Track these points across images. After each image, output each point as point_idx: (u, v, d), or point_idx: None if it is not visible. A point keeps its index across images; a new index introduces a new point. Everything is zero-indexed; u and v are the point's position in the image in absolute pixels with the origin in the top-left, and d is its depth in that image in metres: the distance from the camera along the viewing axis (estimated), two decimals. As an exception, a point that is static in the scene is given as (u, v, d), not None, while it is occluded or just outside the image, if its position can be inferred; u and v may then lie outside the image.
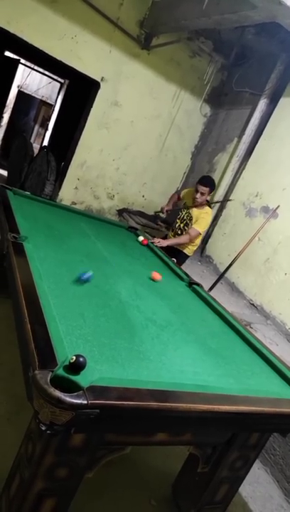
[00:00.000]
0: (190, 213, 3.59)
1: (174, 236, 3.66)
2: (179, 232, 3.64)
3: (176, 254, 3.48)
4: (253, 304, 3.85)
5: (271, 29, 4.12)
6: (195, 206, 3.54)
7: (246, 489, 2.08)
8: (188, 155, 5.70)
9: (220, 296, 3.55)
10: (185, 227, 3.58)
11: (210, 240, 4.78)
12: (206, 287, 3.01)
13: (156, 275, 2.27)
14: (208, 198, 3.59)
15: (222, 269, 4.11)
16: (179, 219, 3.68)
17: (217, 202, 4.69)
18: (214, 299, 2.34)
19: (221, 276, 3.90)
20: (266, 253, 3.89)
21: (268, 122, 4.36)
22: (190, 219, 3.57)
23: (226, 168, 4.90)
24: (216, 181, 5.06)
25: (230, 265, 3.90)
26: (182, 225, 3.63)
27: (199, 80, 5.27)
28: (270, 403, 1.43)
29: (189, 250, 3.65)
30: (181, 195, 3.79)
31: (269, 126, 4.33)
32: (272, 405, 1.42)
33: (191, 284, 2.48)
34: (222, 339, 1.88)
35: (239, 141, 4.77)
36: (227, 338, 1.92)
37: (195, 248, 3.71)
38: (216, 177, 5.12)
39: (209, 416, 1.26)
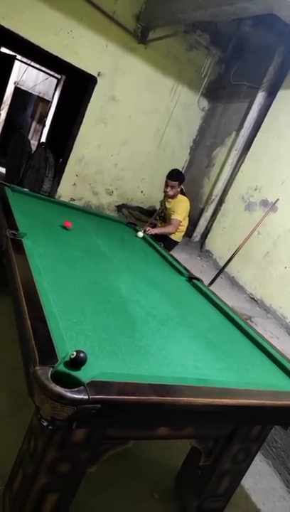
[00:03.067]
0: (167, 206, 3.83)
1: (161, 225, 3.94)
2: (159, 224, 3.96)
3: (163, 239, 3.67)
4: (253, 298, 3.85)
5: (269, 21, 4.09)
6: (171, 198, 3.74)
7: (248, 482, 2.09)
8: (186, 149, 5.68)
9: (220, 290, 3.55)
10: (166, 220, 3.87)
11: (209, 235, 4.77)
12: (206, 282, 3.01)
13: (67, 223, 2.45)
14: (179, 189, 3.73)
15: (221, 264, 4.11)
16: (163, 218, 3.99)
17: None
18: (214, 294, 2.34)
19: (221, 270, 3.90)
20: (266, 247, 3.88)
21: (266, 115, 4.34)
22: (169, 210, 3.80)
23: (225, 162, 4.88)
24: (215, 175, 5.08)
25: (230, 259, 3.90)
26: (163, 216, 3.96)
27: (196, 74, 5.24)
28: (271, 396, 1.43)
29: (176, 236, 3.83)
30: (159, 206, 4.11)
31: (267, 120, 4.31)
32: (273, 398, 1.42)
33: (191, 279, 2.47)
34: (223, 333, 1.88)
35: (237, 135, 4.75)
36: (228, 332, 1.92)
37: (182, 234, 3.91)
38: (215, 171, 5.12)
39: (210, 409, 1.26)
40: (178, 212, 3.71)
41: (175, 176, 3.71)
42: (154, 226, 3.94)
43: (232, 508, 1.86)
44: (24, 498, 1.26)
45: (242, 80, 4.86)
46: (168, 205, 3.82)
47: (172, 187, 3.66)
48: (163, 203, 3.98)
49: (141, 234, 3.17)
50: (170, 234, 3.76)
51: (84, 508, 1.56)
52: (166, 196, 3.77)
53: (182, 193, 3.79)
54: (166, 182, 3.69)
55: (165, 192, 3.73)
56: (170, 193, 3.67)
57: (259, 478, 2.18)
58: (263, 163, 4.21)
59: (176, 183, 3.66)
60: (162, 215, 4.01)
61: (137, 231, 3.26)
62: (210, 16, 3.74)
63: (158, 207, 5.84)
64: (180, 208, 3.74)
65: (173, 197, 3.74)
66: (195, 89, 5.34)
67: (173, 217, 3.73)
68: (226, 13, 3.48)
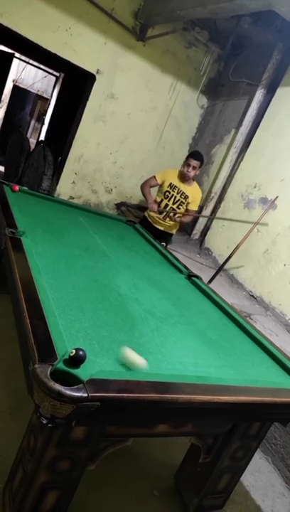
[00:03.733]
0: (184, 192, 3.63)
1: (164, 218, 3.73)
2: (171, 214, 3.69)
3: (166, 237, 3.67)
4: (252, 296, 3.85)
5: (268, 18, 4.08)
6: (187, 181, 3.61)
7: (247, 478, 2.10)
8: (185, 147, 5.67)
9: (220, 288, 3.55)
10: (180, 207, 3.67)
11: (208, 233, 4.77)
12: (205, 280, 3.01)
13: (14, 186, 2.64)
14: (198, 172, 3.66)
15: (221, 262, 4.11)
16: (169, 199, 3.66)
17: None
18: (213, 291, 2.34)
19: (220, 268, 3.90)
20: (265, 244, 3.88)
21: (265, 113, 4.33)
22: (185, 197, 3.64)
23: (224, 160, 4.88)
24: (214, 173, 5.08)
25: (229, 257, 3.90)
26: (175, 206, 3.67)
27: (195, 71, 5.23)
28: (270, 393, 1.43)
29: (176, 230, 3.87)
30: (159, 179, 3.71)
31: (266, 117, 4.31)
32: (272, 395, 1.42)
33: (190, 277, 2.48)
34: (222, 331, 1.88)
35: (236, 133, 4.74)
36: (227, 330, 1.92)
37: (177, 227, 3.90)
38: (214, 169, 5.11)
39: (209, 407, 1.27)
40: (197, 204, 3.67)
41: (199, 156, 3.55)
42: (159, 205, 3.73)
43: (231, 504, 1.87)
44: (24, 495, 1.26)
45: (241, 77, 4.85)
46: (184, 190, 3.62)
47: (194, 167, 3.50)
48: (170, 182, 3.66)
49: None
50: (173, 226, 3.76)
51: (84, 505, 1.56)
52: (185, 178, 3.57)
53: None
54: (188, 162, 3.52)
55: (187, 173, 3.52)
56: (192, 173, 3.52)
57: (258, 474, 2.19)
58: (262, 161, 4.21)
59: (199, 163, 3.52)
60: (170, 208, 3.68)
61: (136, 229, 3.26)
62: (208, 13, 3.72)
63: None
64: (199, 199, 3.69)
65: (190, 180, 3.59)
66: (194, 87, 5.33)
67: (192, 208, 3.66)
68: (225, 9, 3.47)
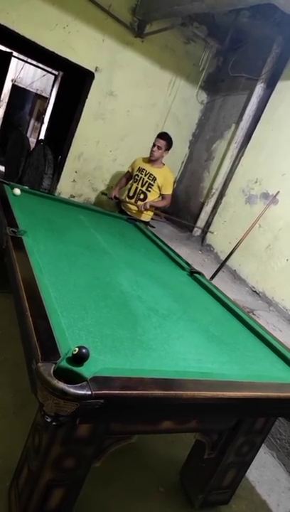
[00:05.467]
0: (151, 174, 3.67)
1: (135, 201, 3.74)
2: (142, 196, 3.71)
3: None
4: (255, 291, 3.84)
5: (266, 11, 4.04)
6: (155, 163, 3.64)
7: (253, 473, 2.10)
8: (185, 143, 5.65)
9: (222, 284, 3.55)
10: (149, 189, 3.68)
11: (210, 229, 4.75)
12: (208, 276, 3.00)
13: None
14: (165, 154, 3.67)
15: (223, 258, 4.10)
16: (138, 182, 3.73)
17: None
18: (216, 287, 2.33)
19: (222, 264, 3.89)
20: (267, 240, 3.87)
21: (265, 107, 4.31)
22: (154, 179, 3.66)
23: (224, 156, 4.85)
24: (215, 169, 5.05)
25: (231, 253, 3.89)
26: (144, 188, 3.70)
27: (194, 67, 5.20)
28: (274, 388, 1.43)
29: (148, 216, 3.80)
30: (130, 169, 3.87)
31: (266, 111, 4.28)
32: (276, 390, 1.42)
33: (192, 273, 2.47)
34: (225, 326, 1.87)
35: (236, 128, 4.72)
36: (230, 326, 1.92)
37: (151, 214, 3.85)
38: (215, 165, 5.09)
39: (214, 403, 1.26)
40: (169, 187, 3.63)
41: (165, 136, 3.60)
42: (128, 194, 3.79)
43: (237, 500, 1.88)
44: (30, 493, 1.27)
45: (241, 71, 4.82)
46: (151, 171, 3.67)
47: (159, 147, 3.56)
48: (139, 166, 3.76)
49: (17, 191, 2.59)
50: (143, 212, 3.69)
51: (90, 502, 1.57)
52: (151, 158, 3.65)
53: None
54: (154, 142, 3.61)
55: (152, 152, 3.62)
56: (156, 153, 3.58)
57: (263, 470, 2.19)
58: (263, 156, 4.19)
59: (164, 143, 3.56)
60: (139, 190, 3.73)
61: (138, 227, 3.25)
62: (206, 8, 3.70)
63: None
64: (171, 182, 3.66)
65: (157, 161, 3.64)
66: (194, 83, 5.30)
67: (166, 192, 3.64)
68: (223, 3, 3.44)
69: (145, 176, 3.70)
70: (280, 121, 4.05)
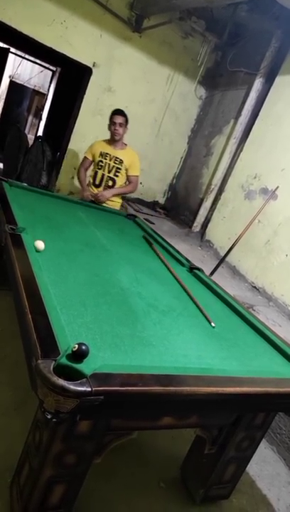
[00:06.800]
0: (117, 157, 3.43)
1: (104, 189, 3.48)
2: (110, 183, 3.47)
3: None
4: (255, 287, 3.85)
5: (265, 5, 4.02)
6: (118, 145, 3.44)
7: (253, 468, 2.11)
8: (184, 139, 5.63)
9: (222, 280, 3.55)
10: (117, 174, 3.45)
11: (209, 225, 4.75)
12: (207, 272, 3.00)
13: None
14: (126, 132, 3.46)
15: (222, 254, 4.10)
16: (103, 169, 3.45)
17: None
18: (215, 283, 2.33)
19: (222, 260, 3.89)
20: (267, 235, 3.87)
21: (264, 102, 4.28)
22: (120, 162, 3.43)
23: (223, 151, 4.84)
24: (214, 165, 5.04)
25: (231, 249, 3.89)
26: (111, 174, 3.46)
27: (193, 62, 5.17)
28: (274, 383, 1.43)
29: (117, 204, 3.58)
30: (90, 156, 3.54)
31: (265, 106, 4.26)
32: (276, 385, 1.42)
33: (192, 269, 2.47)
34: (225, 322, 1.88)
35: (235, 123, 4.70)
36: (230, 321, 1.92)
37: (121, 202, 3.66)
38: (214, 160, 5.08)
39: (214, 398, 1.27)
40: (136, 168, 3.39)
41: (123, 112, 3.37)
42: (94, 183, 3.49)
43: (237, 494, 1.89)
44: (31, 489, 1.27)
45: (239, 66, 4.79)
46: (116, 155, 3.43)
47: (121, 124, 3.33)
48: (100, 151, 3.47)
49: (41, 246, 1.81)
50: (131, 192, 3.53)
51: (91, 498, 1.57)
52: (114, 140, 3.41)
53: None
54: (113, 120, 3.36)
55: (114, 131, 3.37)
56: (120, 130, 3.35)
57: (264, 464, 2.20)
58: (262, 151, 4.17)
59: (124, 118, 3.36)
60: (107, 177, 3.47)
61: (137, 223, 3.23)
62: (205, 2, 3.68)
63: (158, 198, 5.84)
64: (137, 163, 3.43)
65: (119, 141, 3.43)
66: (192, 78, 5.28)
67: (133, 173, 3.39)
68: (221, -2, 3.42)
69: (110, 160, 3.43)
70: (279, 116, 4.04)
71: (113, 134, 3.42)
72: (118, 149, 3.48)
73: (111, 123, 3.41)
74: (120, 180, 3.51)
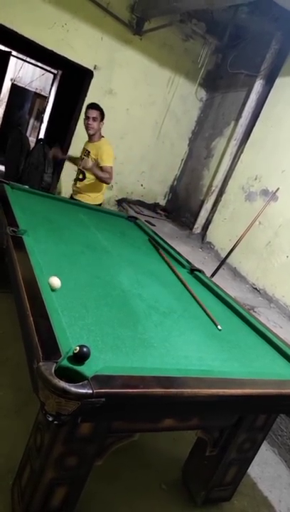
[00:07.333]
0: (86, 149, 3.41)
1: (77, 181, 3.49)
2: (80, 176, 3.47)
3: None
4: (256, 288, 3.84)
5: (265, 7, 4.03)
6: (92, 139, 3.37)
7: (255, 470, 2.10)
8: (185, 141, 5.64)
9: (223, 281, 3.55)
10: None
11: (210, 226, 4.75)
12: (208, 273, 3.00)
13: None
14: (102, 126, 3.36)
15: (223, 255, 4.10)
16: (80, 169, 3.48)
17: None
18: (216, 285, 2.33)
19: (223, 261, 3.89)
20: (267, 236, 3.87)
21: (265, 104, 4.29)
22: (88, 154, 3.37)
23: (224, 153, 4.85)
24: (214, 166, 5.05)
25: (231, 250, 3.89)
26: (81, 167, 3.42)
27: (193, 64, 5.19)
28: (275, 385, 1.43)
29: (96, 198, 3.49)
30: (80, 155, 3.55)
31: (265, 108, 4.27)
32: (277, 387, 1.42)
33: (193, 271, 2.47)
34: (226, 324, 1.87)
35: (236, 125, 4.70)
36: (231, 323, 1.92)
37: (103, 195, 3.58)
38: (214, 162, 5.08)
39: (215, 400, 1.27)
40: (108, 158, 3.25)
41: (97, 105, 3.30)
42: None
43: (239, 496, 1.88)
44: (32, 492, 1.27)
45: (240, 68, 4.80)
46: (87, 147, 3.40)
47: (94, 118, 3.26)
48: (84, 148, 3.48)
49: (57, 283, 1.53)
50: (106, 183, 3.34)
51: (92, 500, 1.57)
52: (89, 133, 3.36)
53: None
54: (87, 115, 3.29)
55: (88, 125, 3.30)
56: (94, 125, 3.27)
57: (265, 466, 2.20)
58: (263, 153, 4.18)
59: (98, 112, 3.28)
60: (81, 172, 3.46)
61: (138, 225, 3.22)
62: (205, 4, 3.68)
63: (159, 200, 5.85)
64: (109, 152, 3.30)
65: (96, 135, 3.35)
66: (193, 80, 5.29)
67: (102, 164, 3.23)
68: (222, 0, 3.43)
69: (85, 155, 3.42)
70: (279, 118, 4.04)
71: (86, 128, 3.37)
72: (92, 142, 3.43)
73: (85, 117, 3.35)
74: (89, 174, 3.41)
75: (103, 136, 3.47)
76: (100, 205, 3.58)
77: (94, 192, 3.49)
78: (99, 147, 3.35)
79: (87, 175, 3.42)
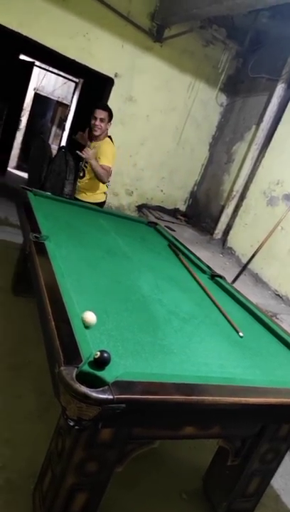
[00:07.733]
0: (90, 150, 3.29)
1: (78, 179, 3.44)
2: (81, 173, 3.43)
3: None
4: (278, 295, 3.77)
5: (286, 11, 4.00)
6: (96, 138, 3.27)
7: (278, 482, 2.05)
8: (205, 146, 5.63)
9: (244, 287, 3.50)
10: (86, 164, 3.32)
11: (231, 232, 4.71)
12: (229, 279, 2.97)
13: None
14: (108, 127, 3.27)
15: (244, 261, 4.05)
16: (83, 162, 3.41)
17: None
18: (238, 291, 2.30)
19: (244, 267, 3.84)
20: (290, 242, 3.80)
21: (286, 107, 4.25)
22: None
23: (245, 158, 4.80)
24: (235, 171, 5.01)
25: (253, 256, 3.83)
26: (83, 165, 3.39)
27: (214, 69, 5.19)
28: (299, 394, 1.39)
29: (97, 197, 3.43)
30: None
31: (287, 111, 4.22)
32: (302, 396, 1.38)
33: (213, 277, 2.45)
34: (248, 331, 1.84)
35: (257, 129, 4.66)
36: (253, 330, 1.89)
37: (105, 195, 3.50)
38: (235, 167, 5.05)
39: (237, 409, 1.24)
40: (107, 157, 3.14)
41: (105, 105, 3.22)
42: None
43: (262, 508, 1.83)
44: (53, 497, 1.28)
45: (261, 72, 4.77)
46: (94, 148, 3.30)
47: (102, 119, 3.14)
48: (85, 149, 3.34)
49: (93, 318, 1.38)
50: (102, 181, 3.24)
51: (113, 507, 1.56)
52: (94, 133, 3.24)
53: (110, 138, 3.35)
54: (94, 115, 3.16)
55: (94, 126, 3.19)
56: (101, 126, 3.16)
57: (289, 478, 2.13)
58: (284, 157, 4.12)
59: (107, 113, 3.17)
60: (85, 165, 3.37)
61: (158, 230, 3.22)
62: (225, 10, 3.69)
63: (179, 205, 5.84)
64: (109, 151, 3.19)
65: (100, 136, 3.24)
66: (213, 85, 5.29)
67: (102, 163, 3.14)
68: (242, 5, 3.42)
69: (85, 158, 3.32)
70: (302, 122, 3.98)
71: (92, 128, 3.26)
72: (95, 142, 3.34)
73: (92, 117, 3.23)
74: (88, 173, 3.36)
75: (108, 136, 3.38)
76: (102, 204, 3.51)
77: (92, 190, 3.43)
78: (101, 146, 3.29)
79: (86, 173, 3.39)
